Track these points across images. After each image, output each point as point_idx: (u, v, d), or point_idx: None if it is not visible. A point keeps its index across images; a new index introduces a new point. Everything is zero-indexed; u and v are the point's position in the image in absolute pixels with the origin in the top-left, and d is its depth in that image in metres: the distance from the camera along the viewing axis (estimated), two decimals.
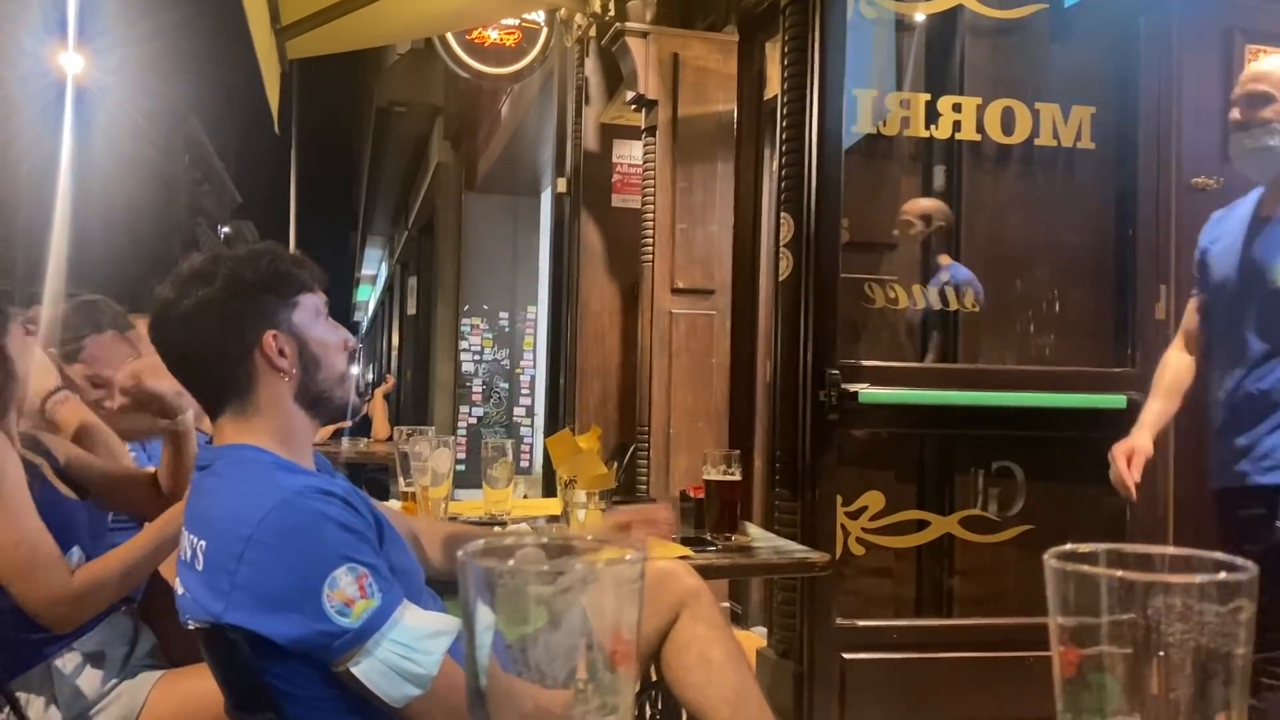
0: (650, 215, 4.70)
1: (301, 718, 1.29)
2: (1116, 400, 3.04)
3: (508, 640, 0.51)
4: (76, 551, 1.76)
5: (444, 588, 1.52)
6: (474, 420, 10.42)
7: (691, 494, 2.29)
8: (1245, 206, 2.38)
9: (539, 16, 6.07)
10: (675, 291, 4.74)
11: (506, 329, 10.68)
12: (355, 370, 1.55)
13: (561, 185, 5.75)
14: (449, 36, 6.03)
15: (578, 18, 5.36)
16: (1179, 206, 3.24)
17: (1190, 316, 2.51)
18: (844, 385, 2.98)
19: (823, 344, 2.99)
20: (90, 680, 1.74)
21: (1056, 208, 3.28)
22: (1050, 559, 0.48)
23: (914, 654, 3.00)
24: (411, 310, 14.40)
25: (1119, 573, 0.46)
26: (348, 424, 5.90)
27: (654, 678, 1.74)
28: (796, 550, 1.99)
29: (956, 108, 3.17)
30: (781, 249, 3.10)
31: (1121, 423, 2.57)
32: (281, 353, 1.36)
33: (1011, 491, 3.06)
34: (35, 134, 13.40)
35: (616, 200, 5.57)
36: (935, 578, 3.14)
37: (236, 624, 1.24)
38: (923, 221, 3.22)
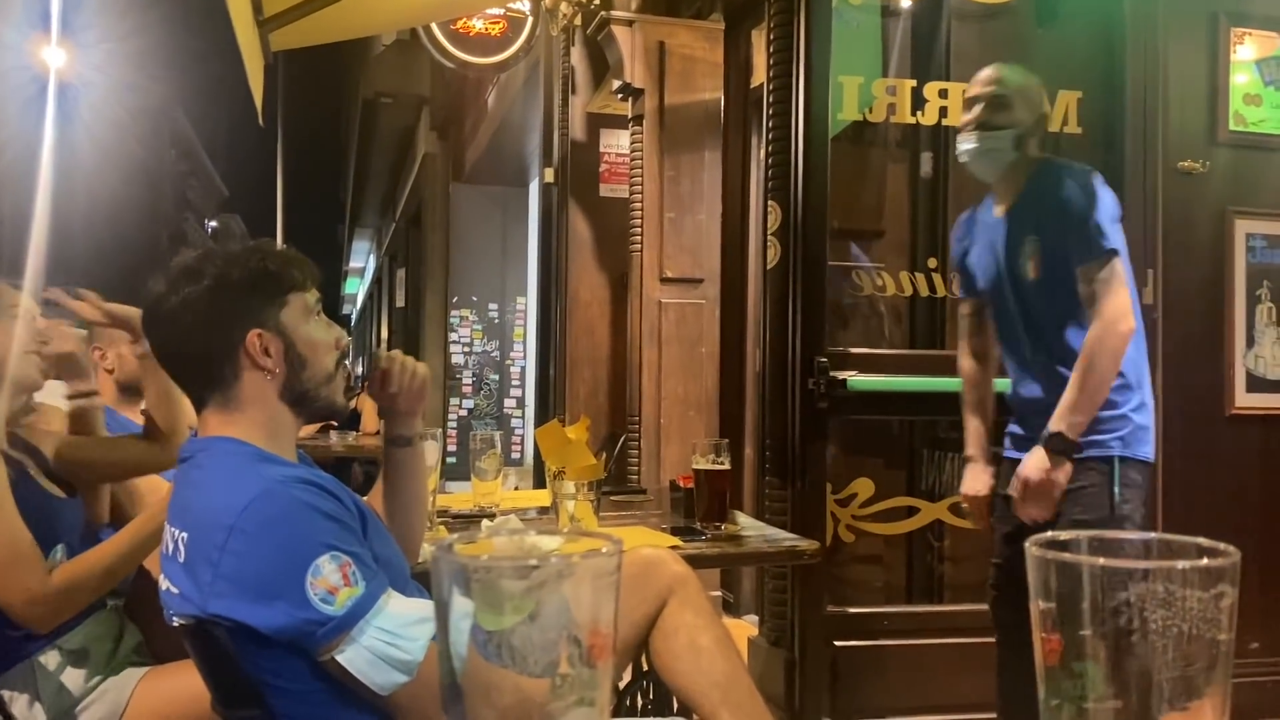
0: (638, 205, 4.70)
1: (288, 711, 1.29)
2: None
3: (484, 637, 0.50)
4: (60, 550, 1.75)
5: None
6: (464, 412, 10.41)
7: (681, 483, 2.29)
8: (985, 209, 2.42)
9: (524, 5, 6.05)
10: (664, 281, 4.74)
11: (496, 320, 10.66)
12: (350, 370, 1.56)
13: (549, 175, 5.73)
14: (434, 27, 6.00)
15: (563, 6, 5.34)
16: (1165, 191, 3.24)
17: (967, 323, 2.52)
18: (833, 373, 2.97)
19: (811, 332, 2.98)
20: (74, 678, 1.73)
21: None
22: (1031, 546, 0.47)
23: (905, 640, 3.00)
24: (400, 303, 14.36)
25: (1100, 560, 0.45)
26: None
27: (645, 667, 1.74)
28: (786, 539, 1.99)
29: (943, 94, 3.16)
30: (769, 237, 3.09)
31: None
32: (266, 351, 1.38)
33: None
34: (16, 129, 13.30)
35: (604, 190, 5.56)
36: (925, 564, 3.15)
37: (220, 614, 1.24)
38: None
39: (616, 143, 5.52)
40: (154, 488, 2.21)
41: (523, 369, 10.44)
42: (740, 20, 4.33)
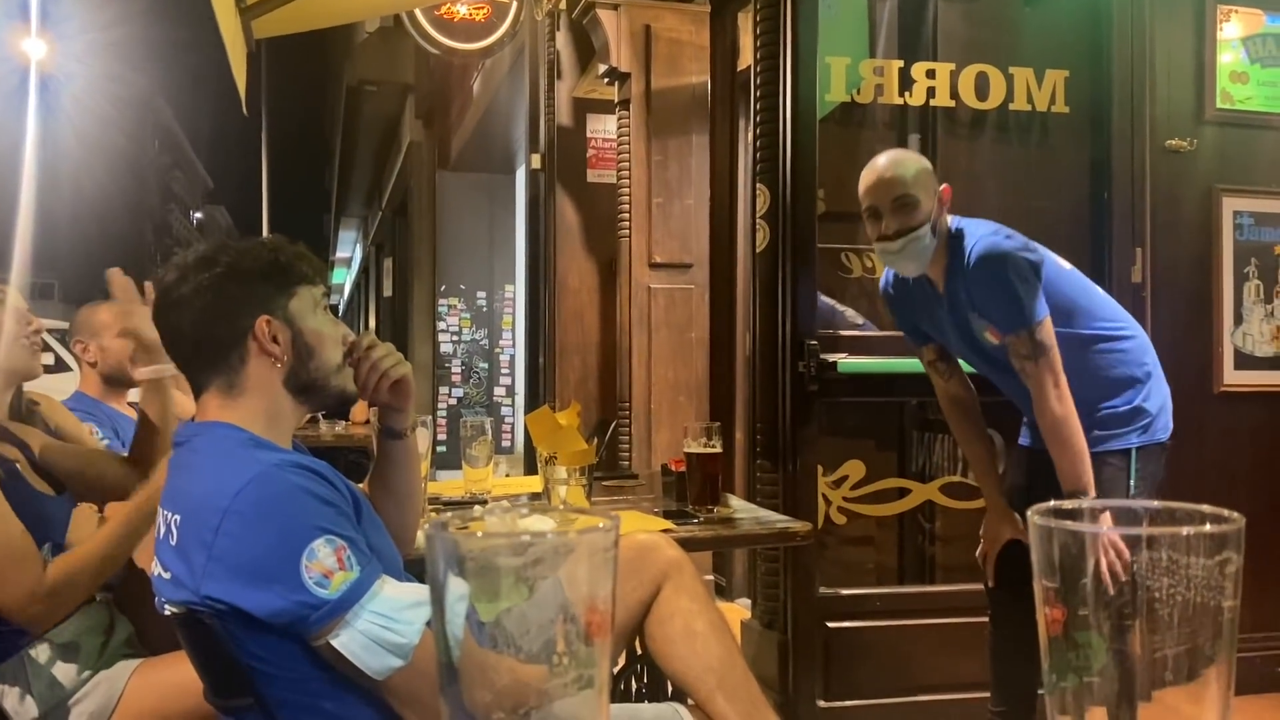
0: (626, 190, 4.68)
1: (281, 699, 1.28)
2: None
3: (480, 617, 0.50)
4: (49, 548, 1.74)
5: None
6: (454, 401, 10.39)
7: (673, 467, 2.29)
8: (919, 282, 2.36)
9: None
10: (653, 266, 4.73)
11: (484, 308, 10.63)
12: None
13: (536, 161, 5.71)
14: (417, 12, 5.96)
15: None
16: (1153, 170, 3.24)
17: (934, 369, 2.49)
18: (823, 355, 2.97)
19: (801, 315, 2.98)
20: (65, 671, 1.72)
21: (1032, 173, 3.27)
22: (1034, 515, 0.47)
23: (897, 621, 3.01)
24: (388, 292, 14.33)
25: (1103, 528, 0.45)
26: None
27: (639, 651, 1.74)
28: (778, 521, 1.99)
29: (930, 74, 3.15)
30: (758, 220, 3.09)
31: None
32: (274, 339, 1.39)
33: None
34: None
35: (592, 175, 5.54)
36: (917, 545, 3.15)
37: (213, 596, 1.23)
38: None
39: (603, 128, 5.50)
40: None
41: (512, 357, 10.43)
42: (726, 2, 4.31)
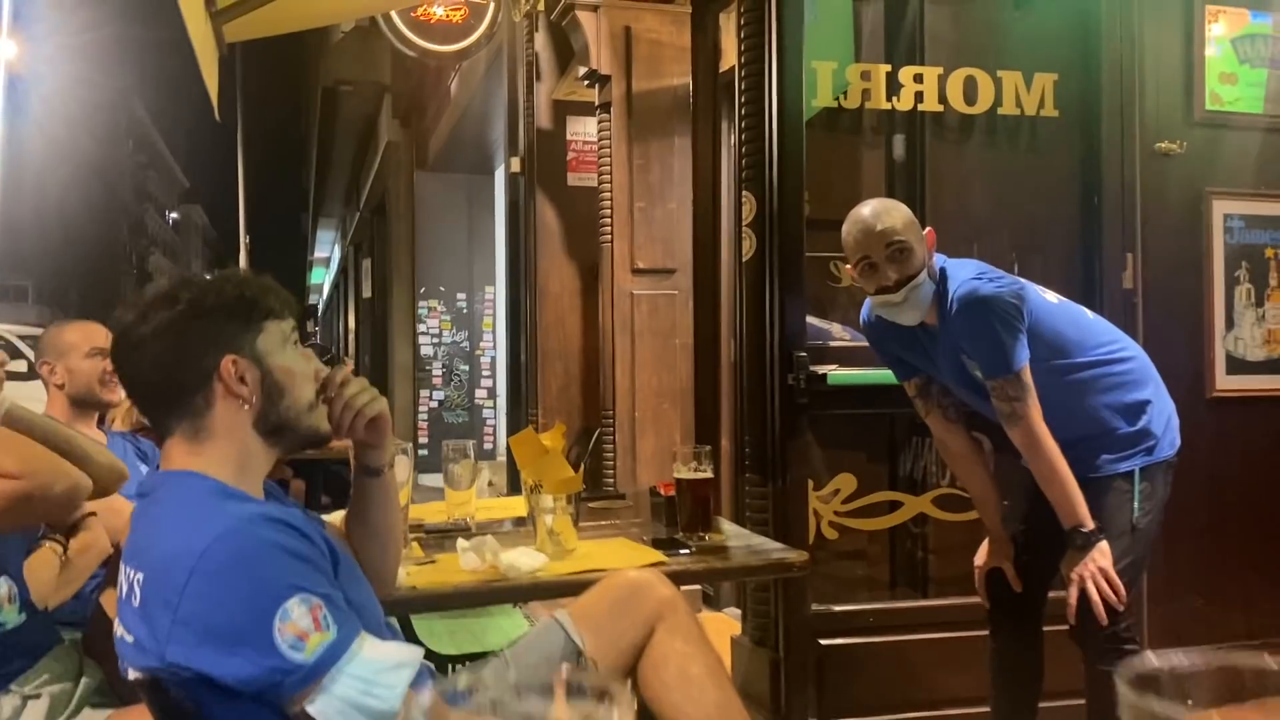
0: (607, 194, 4.60)
1: None
2: None
3: None
4: (4, 582, 1.66)
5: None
6: (435, 404, 10.29)
7: (662, 491, 2.22)
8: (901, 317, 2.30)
9: None
10: (636, 271, 4.65)
11: (465, 310, 10.53)
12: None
13: (515, 164, 5.62)
14: (393, 14, 5.87)
15: None
16: (1143, 173, 3.20)
17: (922, 402, 2.43)
18: (812, 367, 2.91)
19: (790, 326, 2.91)
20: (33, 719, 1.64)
21: (1021, 177, 3.22)
22: (1124, 688, 0.40)
23: (891, 637, 2.95)
24: (367, 293, 14.20)
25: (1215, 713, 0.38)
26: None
27: (631, 696, 1.67)
28: (773, 550, 1.93)
29: (918, 78, 3.09)
30: (744, 229, 3.02)
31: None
32: (241, 379, 1.32)
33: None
34: None
35: (573, 179, 5.45)
36: (910, 558, 3.10)
37: (178, 663, 1.15)
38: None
39: (584, 130, 5.41)
40: (113, 509, 2.11)
41: (493, 359, 10.33)
42: (708, 3, 4.24)
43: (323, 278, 27.46)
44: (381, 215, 12.40)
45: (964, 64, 3.12)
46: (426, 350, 10.42)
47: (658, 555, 1.83)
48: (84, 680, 1.74)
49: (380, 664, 1.18)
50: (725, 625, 3.31)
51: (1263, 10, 3.36)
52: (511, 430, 6.75)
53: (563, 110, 5.44)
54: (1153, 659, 0.41)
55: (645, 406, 4.66)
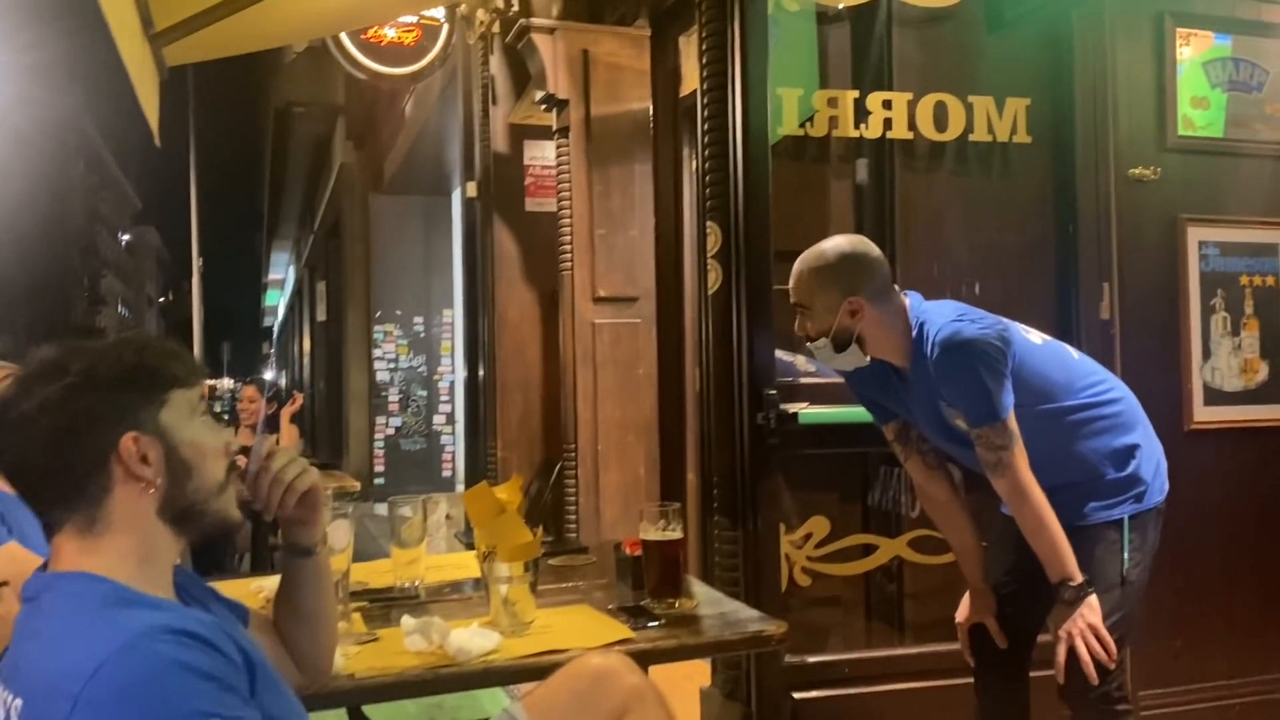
0: (567, 220, 4.46)
1: None
2: None
3: None
4: None
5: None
6: (391, 431, 10.07)
7: (628, 550, 2.07)
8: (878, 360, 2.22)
9: (439, 13, 5.77)
10: (597, 300, 4.51)
11: (422, 334, 10.33)
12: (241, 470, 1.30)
13: (472, 189, 5.47)
14: (343, 37, 5.71)
15: (480, 13, 5.09)
16: (1118, 200, 3.11)
17: (901, 447, 2.32)
18: (782, 405, 2.78)
19: (759, 363, 2.79)
20: None
21: (994, 205, 3.12)
22: None
23: (868, 688, 2.82)
24: (322, 316, 13.92)
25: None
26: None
27: None
28: (750, 620, 1.78)
29: (887, 104, 2.98)
30: (709, 260, 2.89)
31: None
32: (144, 459, 1.15)
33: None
34: None
35: (530, 204, 5.31)
36: (886, 604, 2.97)
37: None
38: None
39: (542, 154, 5.28)
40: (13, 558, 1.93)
41: (451, 384, 10.14)
42: (667, 26, 4.13)
43: (278, 300, 27.06)
44: (336, 237, 12.17)
45: (934, 89, 3.02)
46: (383, 375, 10.22)
47: (624, 630, 1.68)
48: None
49: None
50: (695, 673, 3.16)
51: (1224, 32, 3.30)
52: (470, 459, 6.57)
53: (520, 134, 5.30)
54: None
55: (609, 439, 4.51)
